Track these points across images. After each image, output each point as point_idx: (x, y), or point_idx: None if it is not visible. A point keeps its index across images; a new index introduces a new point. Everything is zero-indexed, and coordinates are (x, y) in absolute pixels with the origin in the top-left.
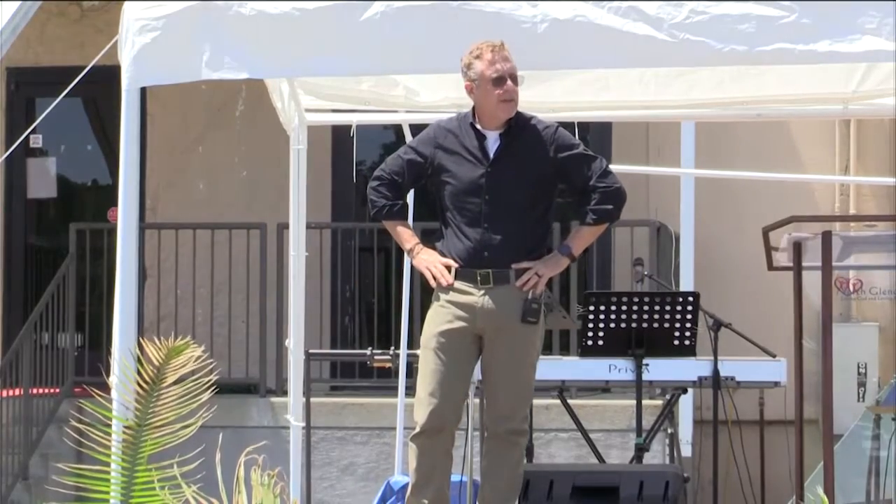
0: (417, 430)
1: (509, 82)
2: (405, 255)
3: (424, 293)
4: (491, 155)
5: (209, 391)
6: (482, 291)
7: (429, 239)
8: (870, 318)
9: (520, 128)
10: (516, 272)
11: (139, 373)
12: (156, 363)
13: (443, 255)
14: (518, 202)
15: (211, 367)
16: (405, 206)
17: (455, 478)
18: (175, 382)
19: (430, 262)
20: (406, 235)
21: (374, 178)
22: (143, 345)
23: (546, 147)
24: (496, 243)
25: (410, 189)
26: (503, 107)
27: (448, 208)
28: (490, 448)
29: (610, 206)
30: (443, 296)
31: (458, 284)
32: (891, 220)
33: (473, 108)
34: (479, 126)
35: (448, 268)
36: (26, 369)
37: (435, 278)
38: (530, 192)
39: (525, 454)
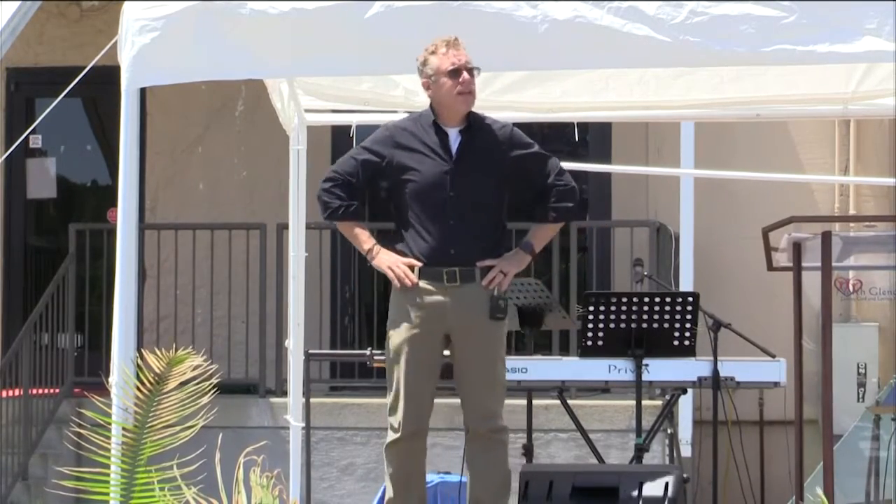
0: (395, 437)
1: (465, 74)
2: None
3: None
4: (453, 151)
5: (210, 395)
6: (448, 290)
7: (384, 240)
8: (869, 319)
9: (477, 125)
10: (481, 270)
11: (139, 378)
12: (157, 371)
13: (403, 255)
14: (482, 198)
15: (211, 371)
16: (360, 207)
17: (455, 478)
18: (176, 386)
19: (393, 262)
20: (363, 237)
21: (326, 180)
22: (144, 354)
23: (503, 145)
24: (462, 239)
25: (365, 190)
26: (461, 99)
27: (410, 207)
28: (476, 449)
29: (570, 204)
30: (406, 298)
31: (423, 284)
32: (891, 221)
33: (431, 106)
34: (442, 123)
35: (411, 267)
36: (26, 370)
37: (399, 279)
38: (493, 188)
39: (526, 454)
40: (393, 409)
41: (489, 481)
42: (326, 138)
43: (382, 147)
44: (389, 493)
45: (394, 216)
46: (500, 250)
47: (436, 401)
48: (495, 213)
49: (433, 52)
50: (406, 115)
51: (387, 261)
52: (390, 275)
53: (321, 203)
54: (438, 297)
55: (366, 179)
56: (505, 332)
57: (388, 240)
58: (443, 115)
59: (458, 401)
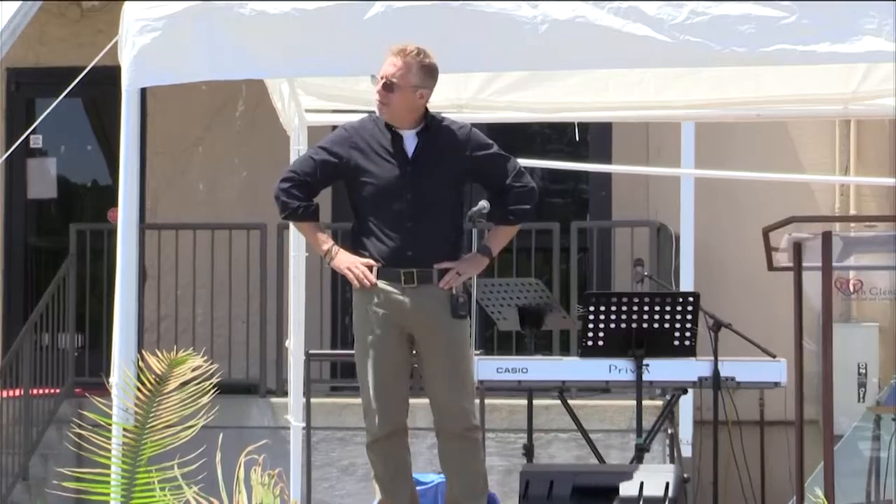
0: (372, 438)
1: (379, 85)
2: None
3: None
4: (409, 154)
5: (210, 395)
6: (406, 291)
7: (345, 240)
8: (870, 319)
9: (435, 128)
10: (438, 272)
11: (140, 378)
12: (157, 372)
13: (361, 255)
14: (439, 200)
15: (212, 371)
16: (317, 207)
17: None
18: (177, 387)
19: (351, 262)
20: (321, 238)
21: (283, 180)
22: (144, 356)
23: (461, 146)
24: (419, 242)
25: (321, 190)
26: (376, 105)
27: (367, 209)
28: (450, 450)
29: (527, 206)
30: (366, 298)
31: (382, 284)
32: (891, 221)
33: None
34: (393, 126)
35: (370, 268)
36: (26, 370)
37: (358, 279)
38: (450, 190)
39: (527, 454)
40: (366, 411)
41: (465, 482)
42: None
43: (340, 148)
44: (378, 496)
45: (353, 216)
46: (458, 252)
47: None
48: (453, 215)
49: (387, 54)
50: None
51: (345, 261)
52: (349, 276)
53: (279, 203)
54: (398, 298)
55: (324, 180)
56: (468, 330)
57: (349, 240)
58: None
59: None
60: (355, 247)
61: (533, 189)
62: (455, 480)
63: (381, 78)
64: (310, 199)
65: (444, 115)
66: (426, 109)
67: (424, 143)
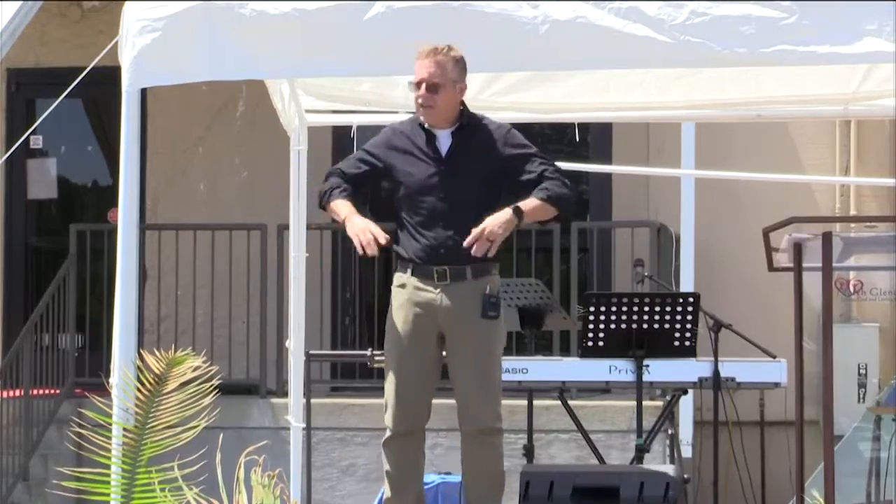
0: (389, 434)
1: (421, 89)
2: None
3: None
4: (443, 153)
5: (210, 396)
6: (439, 289)
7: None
8: (870, 319)
9: (472, 127)
10: (473, 269)
11: (140, 380)
12: (157, 371)
13: (400, 256)
14: (472, 199)
15: (212, 372)
16: (347, 189)
17: (455, 478)
18: (177, 387)
19: (361, 229)
20: (343, 207)
21: (325, 175)
22: (144, 355)
23: (496, 144)
24: (452, 240)
25: (360, 188)
26: (420, 111)
27: (404, 208)
28: (466, 450)
29: (565, 191)
30: (401, 296)
31: (416, 282)
32: (891, 221)
33: None
34: (427, 125)
35: (377, 241)
36: (27, 370)
37: (361, 245)
38: (484, 189)
39: (527, 455)
40: (386, 407)
41: (478, 483)
42: (327, 139)
43: (379, 149)
44: (387, 493)
45: (394, 217)
46: (492, 250)
47: (436, 401)
48: (487, 212)
49: (416, 59)
50: (409, 115)
51: (356, 227)
52: (355, 241)
53: (318, 196)
54: (430, 296)
55: (364, 178)
56: (499, 332)
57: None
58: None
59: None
60: (394, 246)
61: (569, 192)
62: (469, 481)
63: (421, 82)
64: (343, 185)
65: (483, 114)
66: (463, 107)
67: (459, 141)
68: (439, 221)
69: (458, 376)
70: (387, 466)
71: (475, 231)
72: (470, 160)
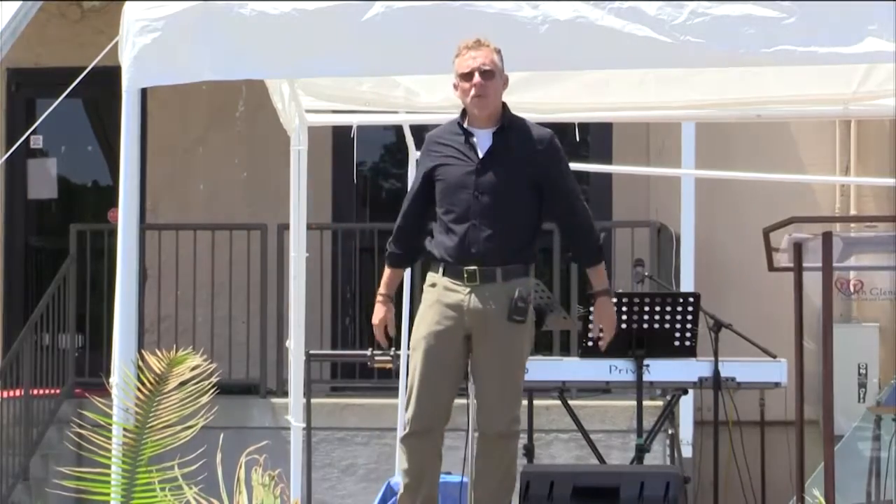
0: (407, 431)
1: (477, 77)
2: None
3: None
4: (481, 153)
5: (210, 395)
6: (468, 289)
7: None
8: (870, 319)
9: (514, 128)
10: (503, 271)
11: (140, 378)
12: (157, 371)
13: (433, 256)
14: (507, 200)
15: (212, 371)
16: (405, 256)
17: (455, 478)
18: (176, 386)
19: (377, 322)
20: (384, 280)
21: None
22: (144, 355)
23: (534, 145)
24: (483, 240)
25: (429, 206)
26: (474, 102)
27: (441, 207)
28: (481, 450)
29: (595, 233)
30: (431, 295)
31: (447, 282)
32: (891, 221)
33: (464, 110)
34: (466, 125)
35: (388, 335)
36: (27, 370)
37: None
38: (520, 190)
39: (527, 455)
40: (407, 404)
41: (490, 484)
42: (327, 139)
43: (424, 157)
44: (400, 489)
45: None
46: (526, 254)
47: None
48: (522, 215)
49: (457, 56)
50: (410, 115)
51: (375, 317)
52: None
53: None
54: (459, 296)
55: (424, 197)
56: (527, 335)
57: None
58: (471, 118)
59: (460, 401)
60: (426, 244)
61: (592, 226)
62: (480, 480)
63: (474, 71)
64: (398, 246)
65: (525, 117)
66: (504, 108)
67: (498, 142)
68: (472, 220)
69: (480, 377)
70: (404, 464)
71: (606, 337)
72: (508, 161)
